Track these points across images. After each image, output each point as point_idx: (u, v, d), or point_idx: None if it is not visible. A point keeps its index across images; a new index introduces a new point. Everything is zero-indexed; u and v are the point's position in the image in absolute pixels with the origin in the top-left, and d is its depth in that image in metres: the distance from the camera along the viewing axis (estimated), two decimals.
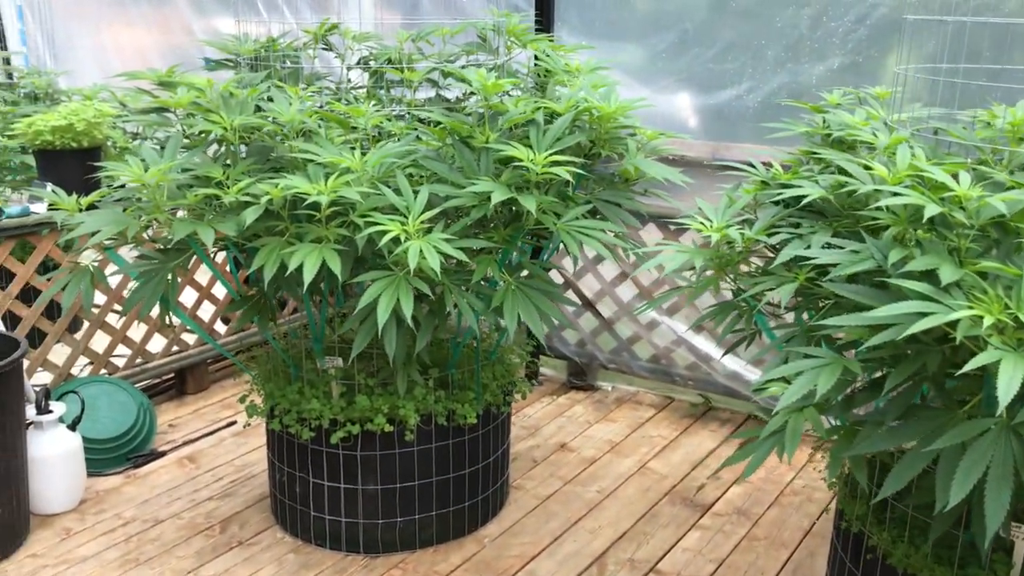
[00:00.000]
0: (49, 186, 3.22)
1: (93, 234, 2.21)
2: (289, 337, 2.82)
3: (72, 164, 3.17)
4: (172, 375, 3.86)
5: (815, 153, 2.18)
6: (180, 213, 2.36)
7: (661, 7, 3.54)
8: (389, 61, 3.10)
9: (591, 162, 2.47)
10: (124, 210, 2.35)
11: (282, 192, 2.11)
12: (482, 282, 2.36)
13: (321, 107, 2.63)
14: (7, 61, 5.50)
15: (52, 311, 3.84)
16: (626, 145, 2.57)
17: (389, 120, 2.65)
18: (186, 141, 2.59)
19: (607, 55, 3.53)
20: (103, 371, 3.50)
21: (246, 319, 2.48)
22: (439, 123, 2.43)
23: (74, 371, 3.47)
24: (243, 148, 2.52)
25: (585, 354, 3.91)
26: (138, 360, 3.64)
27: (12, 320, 3.25)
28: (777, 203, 2.06)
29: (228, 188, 2.22)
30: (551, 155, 2.23)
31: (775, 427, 1.68)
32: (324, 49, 3.19)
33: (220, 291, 3.95)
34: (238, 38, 2.97)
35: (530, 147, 2.28)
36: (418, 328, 2.35)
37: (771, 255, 2.07)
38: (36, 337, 3.40)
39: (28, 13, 5.40)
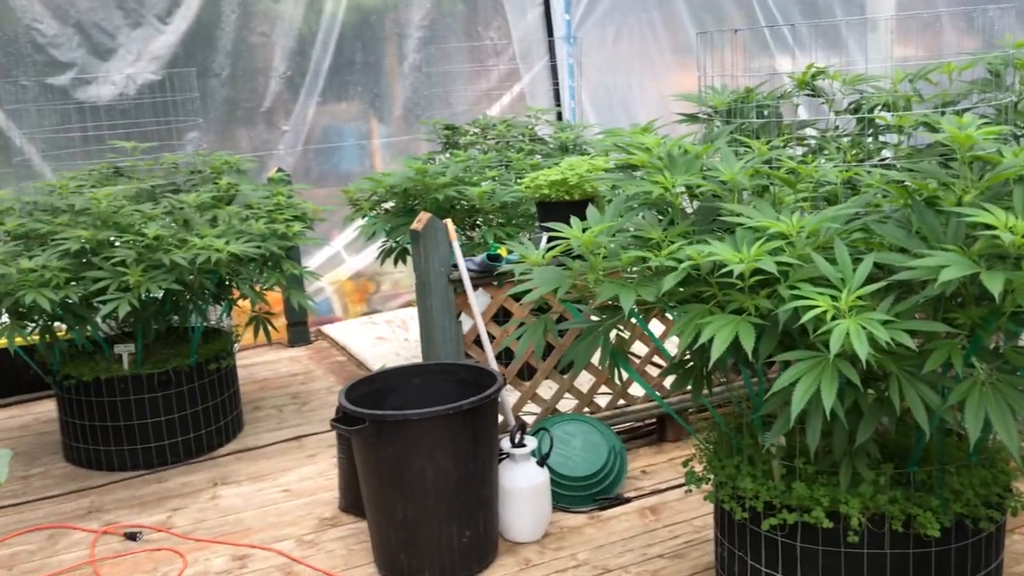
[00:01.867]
0: (544, 236, 3.48)
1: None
2: (733, 405, 2.66)
3: (565, 215, 3.38)
4: (653, 420, 3.91)
5: None
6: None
7: None
8: (886, 106, 2.77)
9: None
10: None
11: (703, 258, 1.99)
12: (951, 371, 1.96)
13: (787, 159, 2.44)
14: (559, 116, 6.13)
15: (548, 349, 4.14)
16: None
17: (868, 173, 2.36)
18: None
19: None
20: (586, 410, 3.67)
21: (680, 384, 2.38)
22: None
23: (560, 407, 3.69)
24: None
25: None
26: (620, 402, 3.75)
27: (508, 355, 3.58)
28: None
29: (659, 251, 2.15)
30: None
31: None
32: (810, 95, 2.96)
33: None
34: (715, 90, 2.90)
35: (1011, 210, 1.84)
36: (861, 416, 2.03)
37: None
38: (527, 373, 3.70)
39: (577, 69, 5.97)
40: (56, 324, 3.73)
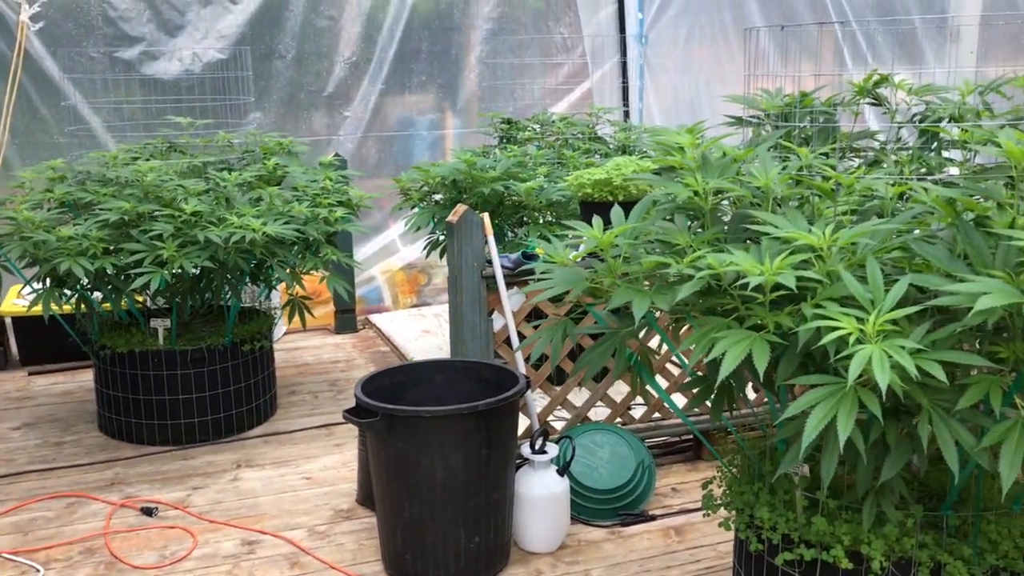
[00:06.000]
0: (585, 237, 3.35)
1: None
2: (760, 428, 2.50)
3: (607, 216, 3.25)
4: (691, 436, 3.74)
5: None
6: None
7: None
8: (952, 119, 2.57)
9: None
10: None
11: (723, 268, 1.84)
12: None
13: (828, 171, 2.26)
14: (626, 116, 5.98)
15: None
16: None
17: (926, 190, 2.17)
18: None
19: None
20: (618, 421, 3.53)
21: (698, 401, 2.24)
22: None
23: (592, 415, 3.56)
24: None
25: None
26: (655, 415, 3.60)
27: (545, 358, 3.46)
28: None
29: (683, 258, 2.01)
30: None
31: None
32: (872, 104, 2.77)
33: None
34: (769, 92, 2.74)
35: None
36: (888, 451, 1.86)
37: None
38: (560, 377, 3.57)
39: (647, 70, 5.80)
40: (97, 294, 3.76)
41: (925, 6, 3.53)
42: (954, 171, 2.59)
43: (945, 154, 2.59)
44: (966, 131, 2.33)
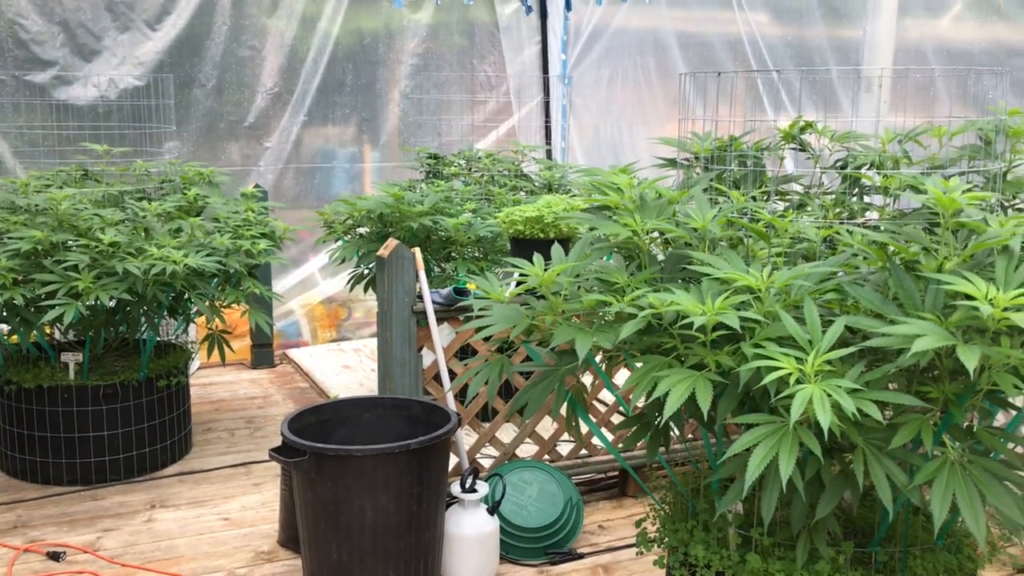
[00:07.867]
0: (516, 273, 3.36)
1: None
2: (692, 466, 2.52)
3: (539, 252, 3.27)
4: (616, 473, 3.76)
5: None
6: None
7: None
8: (873, 165, 2.67)
9: None
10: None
11: (665, 307, 1.86)
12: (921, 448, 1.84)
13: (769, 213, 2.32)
14: (549, 154, 6.04)
15: (510, 390, 4.00)
16: None
17: (849, 232, 2.24)
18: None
19: None
20: (546, 457, 3.53)
21: (634, 439, 2.25)
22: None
23: (520, 452, 3.54)
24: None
25: None
26: (582, 452, 3.61)
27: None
28: None
29: (623, 296, 2.03)
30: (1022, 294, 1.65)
31: None
32: (797, 150, 2.86)
33: None
34: (699, 136, 2.80)
35: (993, 281, 1.72)
36: (822, 489, 1.90)
37: None
38: (489, 414, 3.55)
39: (570, 111, 5.89)
40: (3, 326, 3.59)
41: (841, 57, 3.69)
42: (874, 215, 2.68)
43: (866, 199, 2.69)
44: (889, 177, 2.42)
